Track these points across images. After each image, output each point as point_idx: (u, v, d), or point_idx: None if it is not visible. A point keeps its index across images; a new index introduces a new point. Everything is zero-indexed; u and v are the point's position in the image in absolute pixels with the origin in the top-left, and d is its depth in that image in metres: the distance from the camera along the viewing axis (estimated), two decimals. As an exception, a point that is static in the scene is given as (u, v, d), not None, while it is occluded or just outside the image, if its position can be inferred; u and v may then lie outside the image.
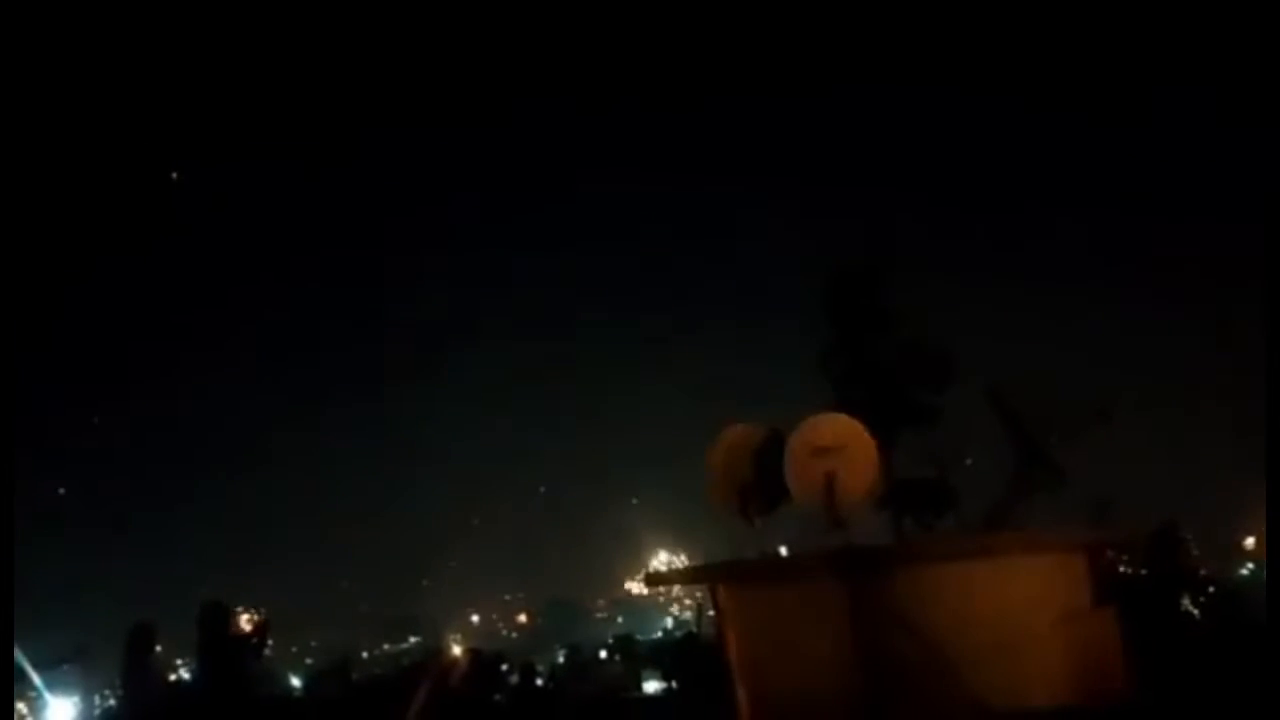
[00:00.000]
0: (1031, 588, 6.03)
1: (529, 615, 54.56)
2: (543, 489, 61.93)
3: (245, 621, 9.73)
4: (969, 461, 7.36)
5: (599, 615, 53.59)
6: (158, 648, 9.47)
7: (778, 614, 6.00)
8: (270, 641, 9.62)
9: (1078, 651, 5.92)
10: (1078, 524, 6.74)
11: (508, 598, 57.41)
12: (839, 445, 6.33)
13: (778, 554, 6.64)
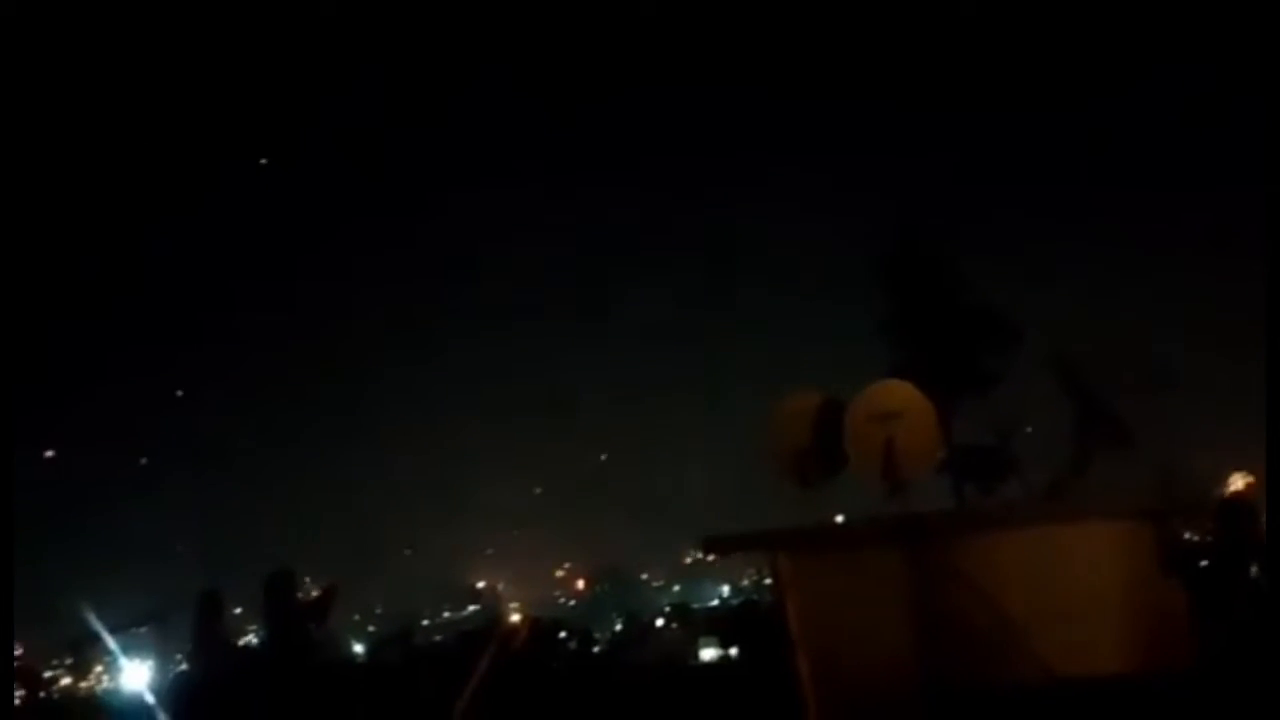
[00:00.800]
0: (1096, 555, 5.96)
1: (586, 583, 55.00)
2: (604, 456, 62.22)
3: (314, 589, 9.91)
4: (1030, 429, 7.31)
5: (655, 584, 53.86)
6: (231, 611, 9.69)
7: (839, 581, 5.99)
8: (333, 609, 9.79)
9: (1143, 620, 5.85)
10: (1143, 490, 6.63)
11: (567, 565, 57.95)
12: (899, 411, 6.32)
13: (837, 521, 6.63)
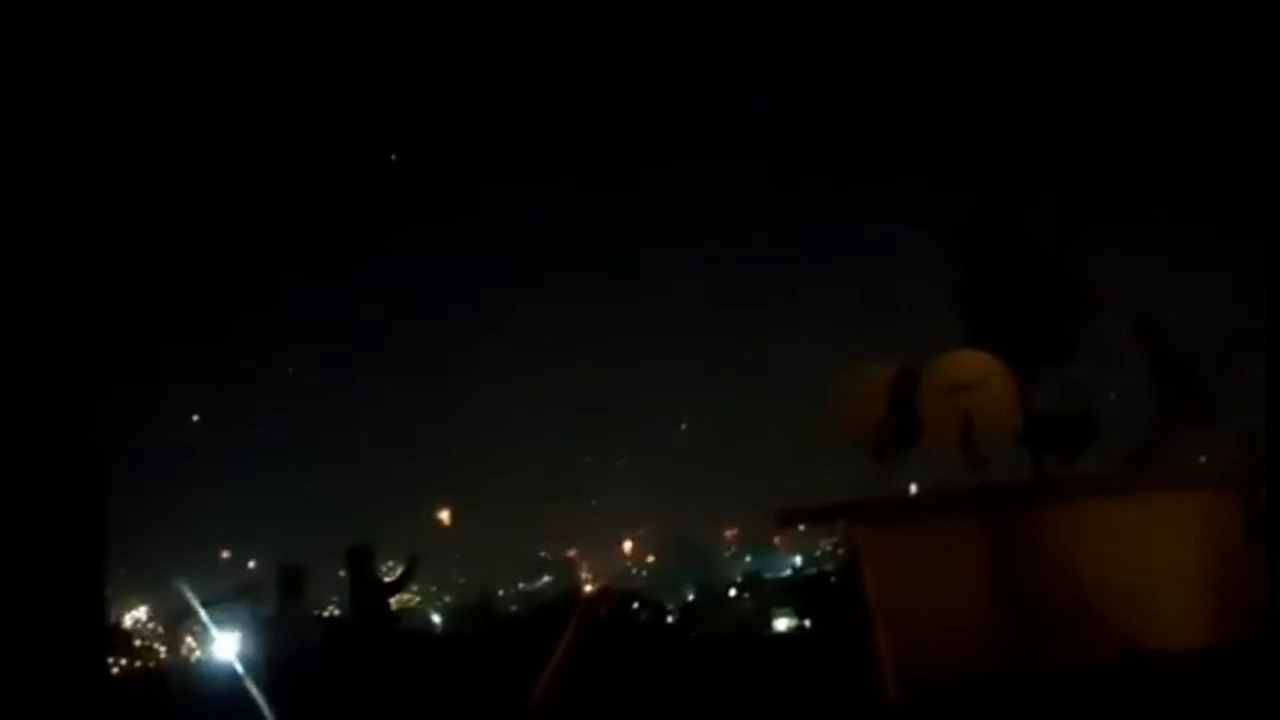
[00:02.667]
0: (1179, 525, 5.84)
1: (659, 554, 55.19)
2: (684, 426, 62.26)
3: (390, 563, 10.12)
4: (1113, 396, 7.16)
5: (727, 554, 53.89)
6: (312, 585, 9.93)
7: (917, 552, 5.95)
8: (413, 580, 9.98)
9: (1227, 592, 5.73)
10: (1228, 459, 6.47)
11: (641, 532, 58.20)
12: (977, 382, 6.21)
13: (914, 492, 6.57)
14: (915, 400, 6.39)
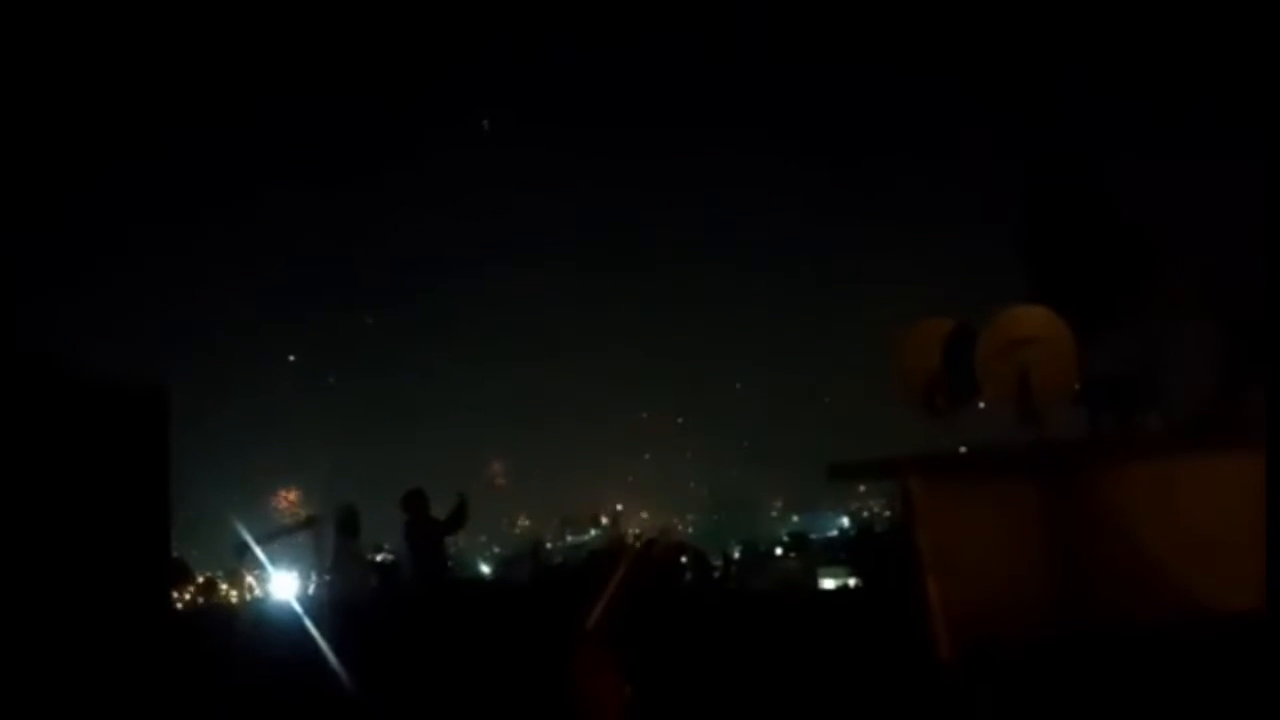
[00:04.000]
0: (1241, 485, 5.72)
1: (705, 511, 55.45)
2: (738, 385, 62.28)
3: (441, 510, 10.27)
4: (1176, 359, 7.00)
5: (774, 514, 54.05)
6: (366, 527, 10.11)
7: (972, 510, 5.89)
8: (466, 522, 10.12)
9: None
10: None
11: (691, 484, 58.50)
12: (1034, 337, 6.13)
13: (970, 449, 6.50)
14: (972, 355, 6.33)
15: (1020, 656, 5.38)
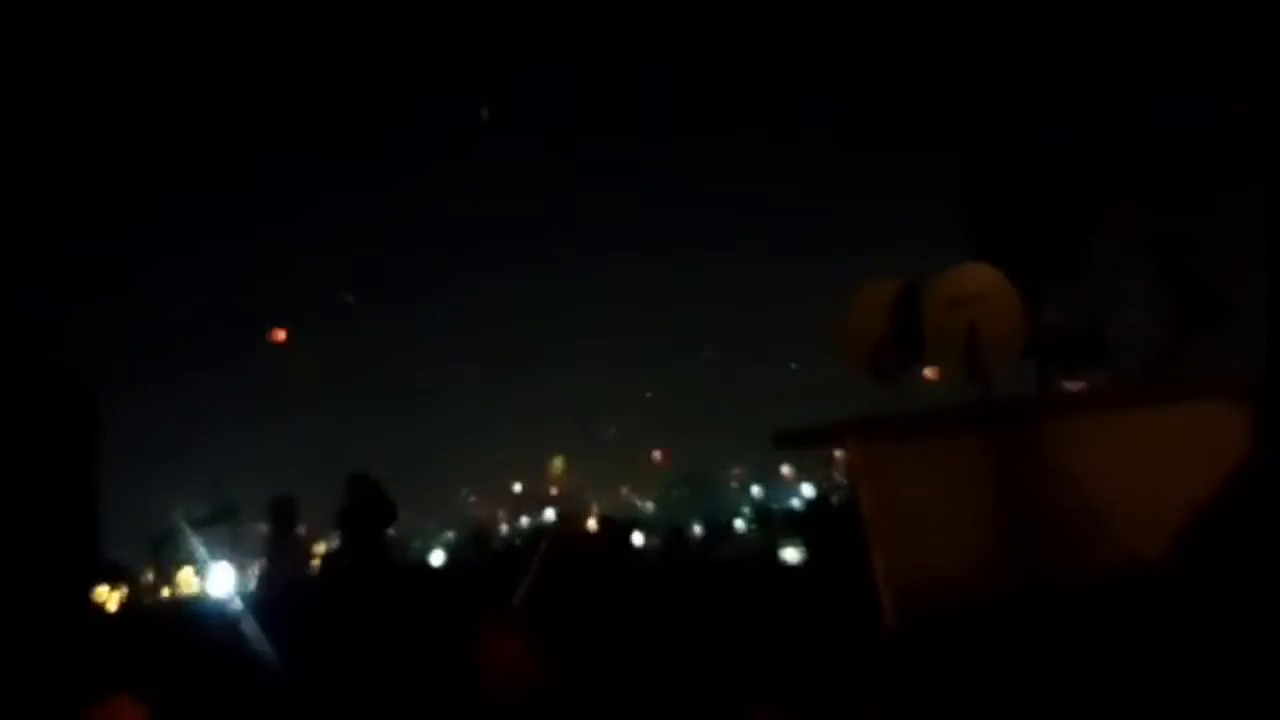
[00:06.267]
0: (1187, 436, 5.67)
1: (664, 487, 55.49)
2: (708, 354, 62.06)
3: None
4: (1125, 315, 6.93)
5: (734, 486, 54.18)
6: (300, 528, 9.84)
7: (916, 471, 5.77)
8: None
9: (1233, 503, 5.54)
10: (1240, 369, 6.26)
11: (656, 454, 58.34)
12: (980, 294, 6.05)
13: (914, 409, 6.38)
14: (920, 315, 6.21)
15: (964, 617, 5.28)
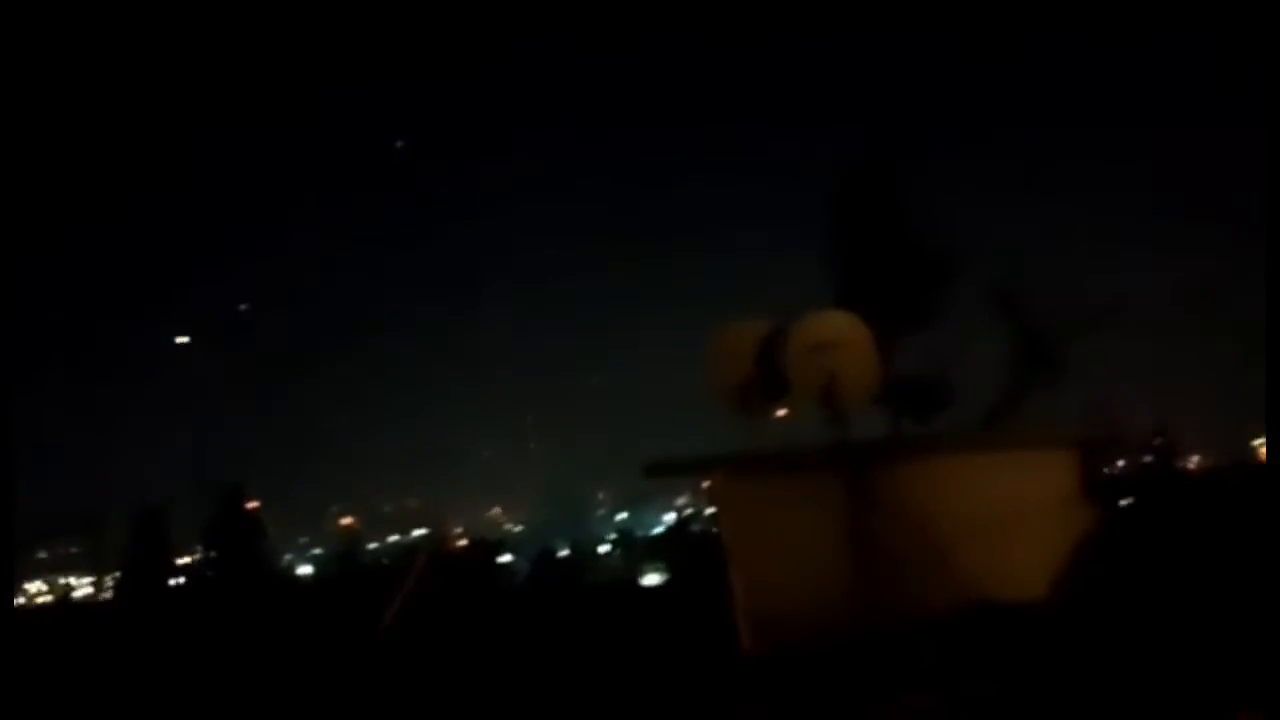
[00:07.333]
0: (1023, 482, 6.12)
1: (532, 510, 55.24)
2: (594, 380, 61.98)
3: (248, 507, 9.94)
4: (970, 363, 7.42)
5: (601, 512, 54.27)
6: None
7: (775, 505, 6.11)
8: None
9: (1064, 544, 6.04)
10: (1073, 423, 6.82)
11: (529, 480, 57.90)
12: (839, 341, 6.34)
13: (776, 447, 6.72)
14: (783, 358, 6.51)
15: (818, 646, 5.59)
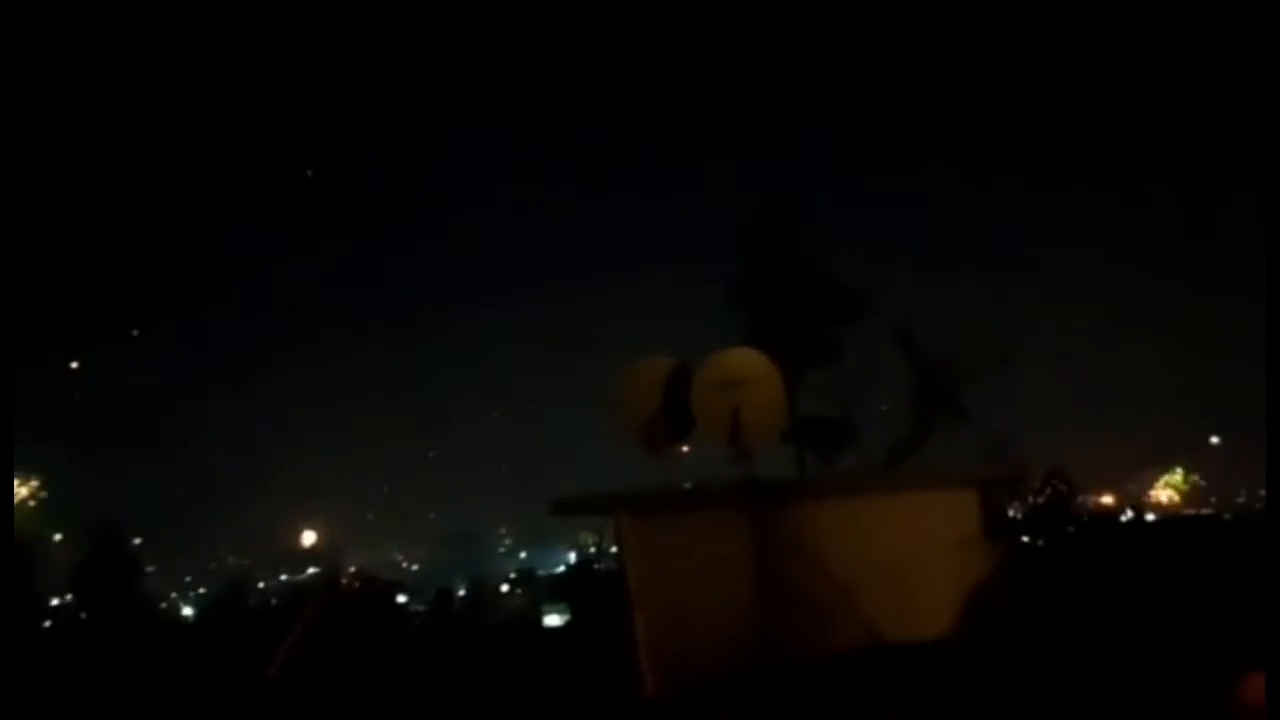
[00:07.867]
0: (925, 521, 6.15)
1: (431, 547, 54.41)
2: (495, 414, 61.45)
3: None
4: (874, 402, 7.47)
5: (502, 550, 53.69)
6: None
7: (680, 542, 6.03)
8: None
9: (966, 581, 6.07)
10: (973, 462, 6.87)
11: (431, 517, 57.08)
12: (745, 379, 6.35)
13: (682, 485, 6.66)
14: (689, 396, 6.48)
15: (719, 685, 5.51)
